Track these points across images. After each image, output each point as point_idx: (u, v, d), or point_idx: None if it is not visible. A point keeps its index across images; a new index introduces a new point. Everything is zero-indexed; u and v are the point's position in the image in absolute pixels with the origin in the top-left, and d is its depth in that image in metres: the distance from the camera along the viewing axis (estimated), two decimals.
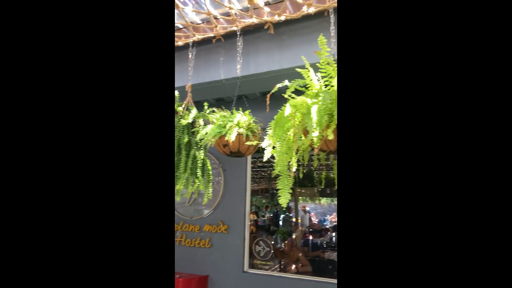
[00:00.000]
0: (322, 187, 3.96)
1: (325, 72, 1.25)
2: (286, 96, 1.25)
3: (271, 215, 5.65)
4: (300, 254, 3.36)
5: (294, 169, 1.29)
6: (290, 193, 1.23)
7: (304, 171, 3.99)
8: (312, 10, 1.52)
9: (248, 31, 1.93)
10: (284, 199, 1.18)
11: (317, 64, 1.24)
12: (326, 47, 1.21)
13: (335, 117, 1.15)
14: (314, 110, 1.14)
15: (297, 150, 1.31)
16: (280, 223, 5.36)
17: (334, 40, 1.51)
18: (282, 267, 3.42)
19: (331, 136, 1.12)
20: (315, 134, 1.10)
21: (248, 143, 1.53)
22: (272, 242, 4.01)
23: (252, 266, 2.99)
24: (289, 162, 1.27)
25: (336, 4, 1.46)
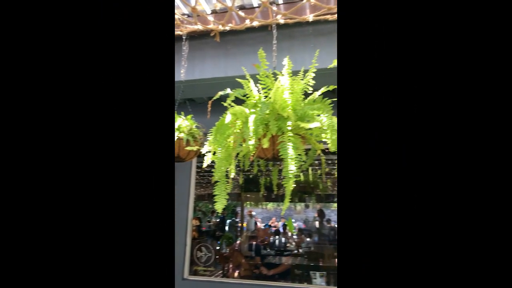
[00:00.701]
0: (262, 192, 4.08)
1: (264, 84, 1.32)
2: (226, 104, 1.29)
3: (217, 220, 5.61)
4: (243, 260, 3.40)
5: (232, 175, 1.32)
6: (227, 199, 1.26)
7: (250, 176, 4.07)
8: (256, 23, 1.59)
9: (194, 36, 1.93)
10: (220, 205, 1.20)
11: (257, 76, 1.31)
12: (265, 61, 1.29)
13: (271, 127, 1.22)
14: (251, 119, 1.20)
15: (237, 156, 1.35)
16: (226, 228, 5.36)
17: (275, 54, 1.60)
18: (225, 272, 3.42)
19: (266, 145, 1.18)
20: (251, 142, 1.15)
21: (188, 148, 1.53)
22: (218, 248, 3.98)
23: (193, 272, 2.93)
24: (228, 168, 1.31)
25: (278, 21, 1.55)
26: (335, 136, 1.12)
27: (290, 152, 1.14)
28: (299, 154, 1.17)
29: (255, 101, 1.32)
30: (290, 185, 1.06)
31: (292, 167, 1.09)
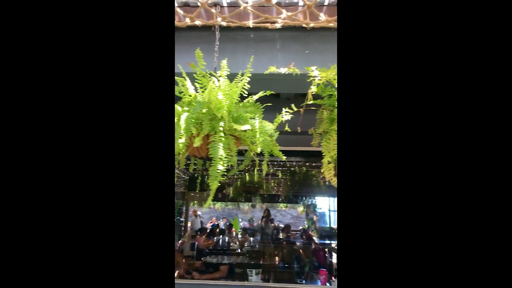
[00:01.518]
0: (197, 191, 4.08)
1: (201, 84, 1.34)
2: None
3: None
4: (183, 260, 3.35)
5: None
6: None
7: (196, 175, 4.02)
8: (198, 23, 1.60)
9: None
10: None
11: (194, 75, 1.32)
12: (202, 60, 1.30)
13: (204, 126, 1.24)
14: (183, 117, 1.20)
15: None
16: None
17: (217, 55, 1.63)
18: None
19: (197, 143, 1.20)
20: (181, 140, 1.16)
21: None
22: None
23: None
24: None
25: (220, 23, 1.57)
26: (262, 138, 1.19)
27: (221, 152, 1.17)
28: (231, 156, 1.21)
29: (190, 100, 1.33)
30: (215, 184, 1.09)
31: (220, 167, 1.13)
